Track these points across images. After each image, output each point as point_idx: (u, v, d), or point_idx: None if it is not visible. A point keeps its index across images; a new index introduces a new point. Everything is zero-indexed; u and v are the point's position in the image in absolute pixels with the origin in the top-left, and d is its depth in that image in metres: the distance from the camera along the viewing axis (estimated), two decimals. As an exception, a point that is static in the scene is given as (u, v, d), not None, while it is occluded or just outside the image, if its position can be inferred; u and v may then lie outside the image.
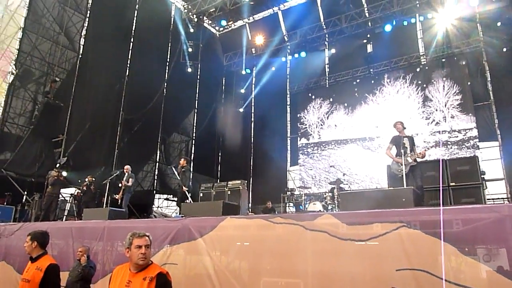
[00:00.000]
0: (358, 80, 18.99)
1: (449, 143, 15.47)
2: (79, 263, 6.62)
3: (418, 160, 7.32)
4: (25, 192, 13.80)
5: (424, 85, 16.76)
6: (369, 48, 18.49)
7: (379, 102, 17.85)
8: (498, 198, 13.63)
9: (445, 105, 15.93)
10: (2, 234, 9.44)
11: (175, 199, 19.74)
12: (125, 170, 10.83)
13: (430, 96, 16.42)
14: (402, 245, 4.66)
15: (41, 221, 10.61)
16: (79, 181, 13.33)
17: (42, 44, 15.38)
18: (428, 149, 15.22)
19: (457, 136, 15.40)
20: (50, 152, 14.86)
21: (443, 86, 16.20)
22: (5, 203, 13.26)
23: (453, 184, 7.80)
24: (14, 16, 14.93)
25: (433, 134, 15.89)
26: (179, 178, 10.66)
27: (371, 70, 18.55)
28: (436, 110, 16.14)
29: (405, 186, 6.36)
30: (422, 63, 17.41)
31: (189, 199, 10.08)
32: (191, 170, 13.08)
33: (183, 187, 10.39)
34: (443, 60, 16.58)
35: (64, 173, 13.37)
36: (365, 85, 18.59)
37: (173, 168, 11.15)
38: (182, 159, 11.07)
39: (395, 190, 6.17)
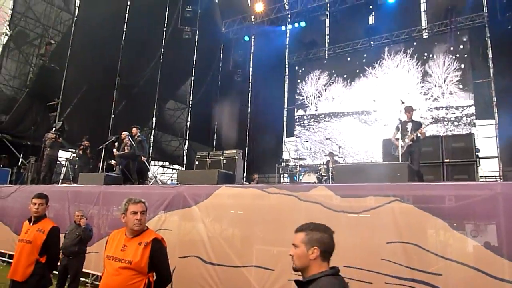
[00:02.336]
0: (358, 53, 18.73)
1: (445, 119, 15.46)
2: (77, 226, 6.68)
3: (420, 139, 7.29)
4: (21, 155, 13.79)
5: (425, 60, 16.56)
6: (371, 19, 18.07)
7: (378, 75, 17.69)
8: (490, 176, 13.80)
9: (445, 81, 15.81)
10: (-1, 195, 9.53)
11: (171, 166, 19.85)
12: (122, 137, 10.41)
13: (430, 71, 16.27)
14: (394, 219, 4.73)
15: (38, 183, 10.68)
16: (79, 144, 13.28)
17: (36, 5, 15.01)
18: (426, 125, 15.22)
19: (454, 113, 15.37)
20: (46, 115, 14.79)
21: (444, 61, 16.02)
22: (1, 166, 13.29)
23: (448, 160, 7.88)
24: (7, -25, 14.49)
25: (430, 110, 15.85)
26: (134, 146, 9.95)
27: (372, 42, 18.27)
28: (435, 85, 16.03)
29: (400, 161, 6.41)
30: (424, 37, 17.15)
31: (149, 169, 9.54)
32: (145, 138, 12.22)
33: (142, 157, 10.20)
34: (446, 34, 16.31)
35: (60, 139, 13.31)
36: (364, 58, 18.36)
37: (129, 138, 10.11)
38: (134, 128, 10.28)
39: (390, 164, 6.21)
